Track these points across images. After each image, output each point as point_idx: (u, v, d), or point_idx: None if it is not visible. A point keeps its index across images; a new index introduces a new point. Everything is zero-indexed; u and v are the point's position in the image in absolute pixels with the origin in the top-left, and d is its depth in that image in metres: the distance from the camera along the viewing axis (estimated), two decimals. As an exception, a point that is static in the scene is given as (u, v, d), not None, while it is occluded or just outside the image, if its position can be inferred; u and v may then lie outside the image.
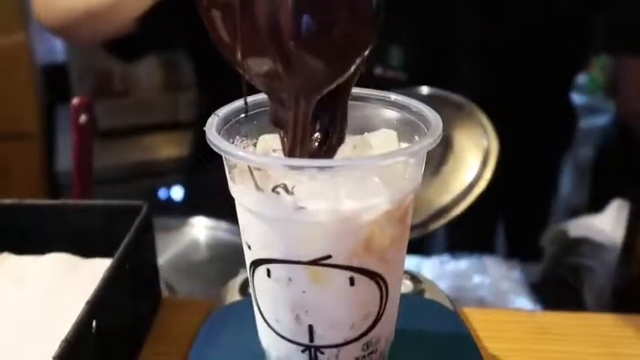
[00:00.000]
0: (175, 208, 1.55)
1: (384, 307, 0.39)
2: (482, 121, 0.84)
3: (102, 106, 1.66)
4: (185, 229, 0.82)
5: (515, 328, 0.55)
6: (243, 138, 0.41)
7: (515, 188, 1.20)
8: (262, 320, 0.41)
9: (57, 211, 0.56)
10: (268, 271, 0.38)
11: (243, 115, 0.41)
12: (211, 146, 0.36)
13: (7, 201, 0.57)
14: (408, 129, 0.40)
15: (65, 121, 1.65)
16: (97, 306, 0.43)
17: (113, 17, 0.79)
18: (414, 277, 0.57)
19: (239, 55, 0.33)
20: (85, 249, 0.56)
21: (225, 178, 0.38)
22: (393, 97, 0.42)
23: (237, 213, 0.38)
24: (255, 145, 0.41)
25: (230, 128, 0.40)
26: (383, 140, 0.40)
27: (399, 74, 0.97)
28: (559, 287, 1.06)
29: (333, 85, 0.35)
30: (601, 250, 1.06)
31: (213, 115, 0.39)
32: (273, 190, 0.35)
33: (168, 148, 1.66)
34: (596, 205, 1.27)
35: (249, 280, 0.40)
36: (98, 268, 0.53)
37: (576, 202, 1.78)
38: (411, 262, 1.11)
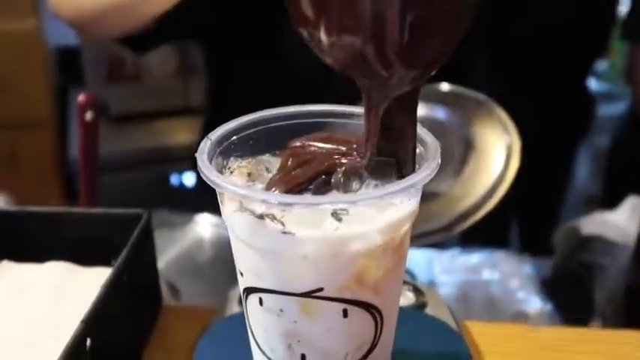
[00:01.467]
0: (187, 194, 1.55)
1: (379, 337, 0.38)
2: (502, 117, 0.81)
3: (114, 92, 1.66)
4: (190, 227, 0.81)
5: (519, 344, 0.54)
6: (239, 158, 0.41)
7: (530, 181, 1.18)
8: (256, 347, 0.40)
9: (57, 218, 0.56)
10: (260, 299, 0.37)
11: (234, 138, 0.40)
12: (201, 175, 0.35)
13: (7, 208, 0.57)
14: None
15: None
16: (92, 324, 0.43)
17: (138, 13, 0.77)
18: (417, 289, 0.56)
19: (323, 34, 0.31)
20: (85, 257, 0.55)
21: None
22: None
23: (230, 240, 0.38)
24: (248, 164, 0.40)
25: (225, 150, 0.40)
26: None
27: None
28: (570, 285, 1.04)
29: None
30: (614, 248, 1.04)
31: (205, 139, 0.38)
32: (261, 217, 0.34)
33: (181, 133, 1.66)
34: (610, 196, 1.25)
35: (243, 305, 0.40)
36: (97, 277, 0.53)
37: (591, 192, 1.75)
38: (424, 256, 1.11)
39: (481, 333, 0.55)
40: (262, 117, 0.41)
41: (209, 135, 0.39)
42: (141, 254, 0.53)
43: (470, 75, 1.17)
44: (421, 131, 0.39)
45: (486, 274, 1.07)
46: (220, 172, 0.38)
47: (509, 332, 0.56)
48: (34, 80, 1.52)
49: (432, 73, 0.33)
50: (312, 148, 0.38)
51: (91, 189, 0.86)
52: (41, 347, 0.46)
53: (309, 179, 0.35)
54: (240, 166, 0.41)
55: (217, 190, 0.36)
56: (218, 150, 0.39)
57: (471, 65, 1.21)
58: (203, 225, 0.83)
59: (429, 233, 0.75)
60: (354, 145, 0.38)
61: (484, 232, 1.15)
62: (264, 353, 0.39)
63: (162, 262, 0.75)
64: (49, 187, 1.58)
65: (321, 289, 0.35)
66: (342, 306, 0.36)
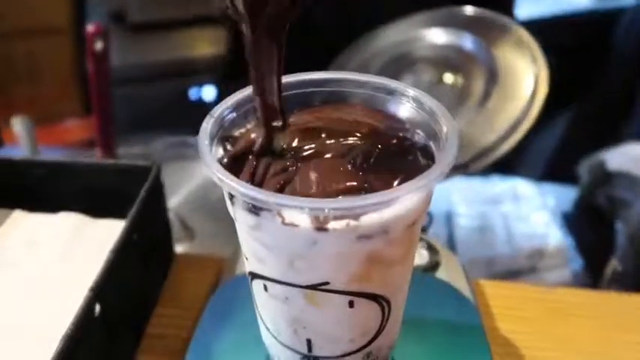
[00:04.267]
0: (207, 109, 1.53)
1: (386, 323, 0.37)
2: (531, 45, 0.77)
3: (132, -1, 1.60)
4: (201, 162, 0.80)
5: (532, 306, 0.53)
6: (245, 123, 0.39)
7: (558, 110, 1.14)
8: (263, 325, 0.40)
9: (68, 168, 0.55)
10: (265, 286, 0.36)
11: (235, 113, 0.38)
12: (205, 168, 0.33)
13: (19, 157, 0.56)
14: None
15: (95, 10, 1.60)
16: (101, 291, 0.43)
17: None
18: (431, 247, 0.55)
19: None
20: (97, 208, 0.55)
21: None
22: (412, 92, 0.38)
23: (236, 225, 0.36)
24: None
25: (230, 123, 0.38)
26: None
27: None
28: (592, 220, 1.02)
29: None
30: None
31: (208, 117, 0.36)
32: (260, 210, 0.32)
33: (202, 44, 1.61)
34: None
35: (249, 284, 0.39)
36: (110, 230, 0.53)
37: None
38: (442, 185, 1.09)
39: (495, 295, 0.54)
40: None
41: (211, 112, 0.37)
42: (150, 209, 0.52)
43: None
44: (438, 110, 0.36)
45: (507, 206, 1.05)
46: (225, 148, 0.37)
47: (523, 293, 0.55)
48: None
49: None
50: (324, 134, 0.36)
51: (104, 121, 0.85)
52: (52, 309, 0.47)
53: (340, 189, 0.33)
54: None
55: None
56: (224, 124, 0.37)
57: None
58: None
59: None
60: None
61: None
62: (269, 331, 0.39)
63: (176, 200, 0.75)
64: (68, 98, 1.57)
65: (326, 283, 0.34)
66: (349, 298, 0.35)
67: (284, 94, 0.39)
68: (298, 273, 0.34)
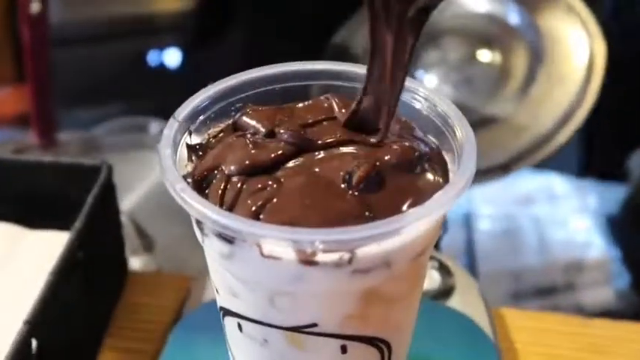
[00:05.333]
0: (168, 77, 1.53)
1: (386, 369, 0.39)
2: (583, 15, 0.76)
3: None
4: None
5: (563, 342, 0.54)
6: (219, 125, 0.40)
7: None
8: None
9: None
10: (239, 325, 0.37)
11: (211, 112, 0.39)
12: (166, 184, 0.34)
13: None
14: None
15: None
16: (39, 323, 0.44)
17: None
18: (444, 267, 0.57)
19: None
20: (32, 216, 0.56)
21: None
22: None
23: (205, 251, 0.37)
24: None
25: (200, 126, 0.39)
26: None
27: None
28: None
29: None
30: None
31: (171, 120, 0.37)
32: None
33: (164, -2, 1.60)
34: None
35: (221, 319, 0.40)
36: (48, 244, 0.54)
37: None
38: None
39: (519, 327, 0.55)
40: (247, 79, 0.40)
41: (175, 114, 0.37)
42: (99, 220, 0.53)
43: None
44: (451, 111, 0.37)
45: (540, 207, 1.07)
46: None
47: (552, 325, 0.56)
48: None
49: None
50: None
51: (41, 95, 0.86)
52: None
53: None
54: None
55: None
56: (191, 129, 0.38)
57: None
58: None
59: (481, 172, 0.72)
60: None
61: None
62: (245, 378, 0.40)
63: (130, 200, 0.76)
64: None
65: (314, 325, 0.35)
66: (341, 342, 0.36)
67: (266, 88, 0.40)
68: (280, 312, 0.35)
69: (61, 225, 0.54)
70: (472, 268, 0.94)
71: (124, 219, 0.60)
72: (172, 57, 1.57)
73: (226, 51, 1.39)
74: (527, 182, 1.11)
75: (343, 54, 0.79)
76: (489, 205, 1.07)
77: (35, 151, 0.83)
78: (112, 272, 0.57)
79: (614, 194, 1.10)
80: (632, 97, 1.27)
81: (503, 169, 0.71)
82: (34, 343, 0.44)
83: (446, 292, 0.55)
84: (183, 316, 0.53)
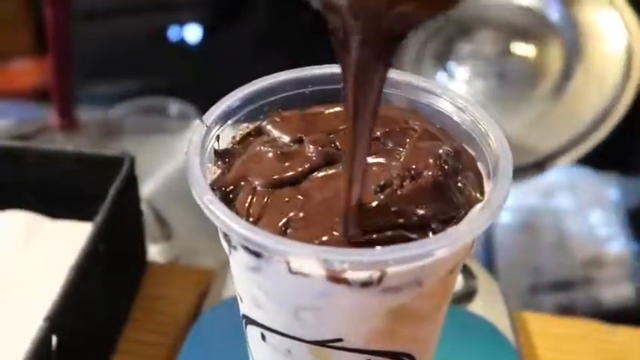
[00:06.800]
0: (189, 54, 1.52)
1: (410, 383, 0.38)
2: (623, 11, 0.74)
3: None
4: (184, 136, 0.80)
5: (585, 350, 0.54)
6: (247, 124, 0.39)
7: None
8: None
9: (20, 156, 0.55)
10: (263, 335, 0.37)
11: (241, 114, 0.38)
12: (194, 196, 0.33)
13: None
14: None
15: None
16: (59, 319, 0.44)
17: None
18: (467, 270, 0.56)
19: None
20: (53, 205, 0.55)
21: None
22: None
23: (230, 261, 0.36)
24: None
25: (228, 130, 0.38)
26: None
27: None
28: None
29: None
30: None
31: (198, 124, 0.36)
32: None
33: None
34: None
35: (242, 328, 0.39)
36: (69, 234, 0.54)
37: None
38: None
39: (542, 332, 0.55)
40: (276, 82, 0.39)
41: (203, 117, 0.36)
42: (121, 213, 0.52)
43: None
44: (483, 118, 0.36)
45: (560, 200, 1.05)
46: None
47: (576, 331, 0.55)
48: None
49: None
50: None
51: (62, 71, 0.85)
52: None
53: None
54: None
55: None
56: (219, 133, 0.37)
57: None
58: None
59: (515, 170, 0.70)
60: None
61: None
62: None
63: (149, 186, 0.75)
64: (19, 33, 1.55)
65: (339, 340, 0.34)
66: (366, 357, 0.35)
67: (294, 92, 0.39)
68: (305, 326, 0.34)
69: (82, 215, 0.54)
70: (491, 261, 0.93)
71: (142, 206, 0.60)
72: (192, 33, 1.56)
73: (246, 29, 1.38)
74: (547, 174, 1.09)
75: None
76: (510, 197, 1.05)
77: (55, 133, 0.83)
78: (132, 264, 0.57)
79: (636, 187, 1.08)
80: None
81: (539, 167, 0.70)
82: (54, 339, 0.43)
83: (468, 295, 0.54)
84: (202, 311, 0.52)
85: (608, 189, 1.07)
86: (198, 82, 1.24)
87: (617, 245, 0.97)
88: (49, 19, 0.84)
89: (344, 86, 0.30)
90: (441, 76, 0.76)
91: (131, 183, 0.54)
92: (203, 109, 0.37)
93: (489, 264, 0.90)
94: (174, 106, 0.90)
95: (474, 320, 0.52)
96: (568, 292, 0.94)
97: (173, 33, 1.57)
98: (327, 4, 0.27)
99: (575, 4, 0.75)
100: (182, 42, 1.56)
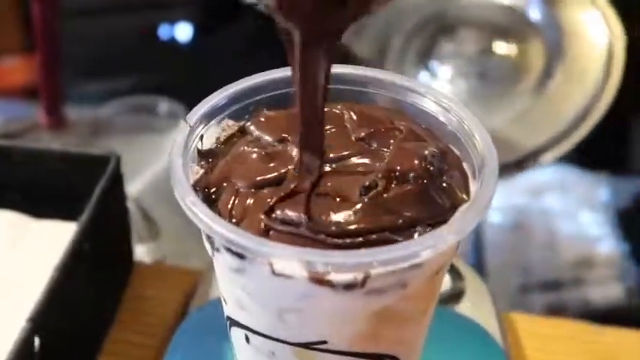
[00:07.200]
0: (180, 51, 1.52)
1: (395, 385, 0.38)
2: (604, 10, 0.74)
3: None
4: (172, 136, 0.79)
5: (574, 350, 0.54)
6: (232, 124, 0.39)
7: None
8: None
9: (5, 155, 0.55)
10: (247, 337, 0.36)
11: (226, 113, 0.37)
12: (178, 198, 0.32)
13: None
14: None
15: None
16: (42, 320, 0.43)
17: None
18: (455, 270, 0.55)
19: None
20: (38, 204, 0.55)
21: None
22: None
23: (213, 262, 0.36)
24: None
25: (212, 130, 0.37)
26: None
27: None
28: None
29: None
30: None
31: (182, 124, 0.36)
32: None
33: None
34: None
35: (227, 329, 0.39)
36: (53, 234, 0.53)
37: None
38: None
39: (530, 333, 0.55)
40: (261, 82, 0.39)
41: (187, 116, 0.36)
42: (107, 212, 0.52)
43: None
44: (468, 119, 0.36)
45: (550, 200, 1.05)
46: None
47: (565, 332, 0.55)
48: None
49: None
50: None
51: (49, 69, 0.85)
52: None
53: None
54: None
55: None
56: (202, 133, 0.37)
57: None
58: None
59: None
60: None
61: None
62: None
63: (136, 185, 0.74)
64: (7, 31, 1.54)
65: (323, 342, 0.34)
66: (350, 359, 0.35)
67: (279, 92, 0.39)
68: (288, 328, 0.34)
69: (68, 215, 0.54)
70: (480, 261, 0.93)
71: (130, 205, 0.59)
72: (183, 32, 1.56)
73: (237, 28, 1.37)
74: (537, 174, 1.09)
75: (345, 57, 0.78)
76: (501, 196, 1.05)
77: (43, 132, 0.82)
78: (118, 264, 0.57)
79: (626, 187, 1.08)
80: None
81: (518, 166, 0.70)
82: (36, 341, 0.43)
83: (456, 296, 0.54)
84: (189, 312, 0.52)
85: (598, 189, 1.07)
86: (189, 81, 1.24)
87: (606, 245, 0.97)
88: (37, 15, 0.84)
89: (292, 76, 0.32)
90: (423, 75, 0.76)
91: (117, 182, 0.54)
92: (193, 108, 0.37)
93: (479, 264, 0.90)
94: (164, 105, 0.90)
95: (462, 321, 0.51)
96: (558, 292, 0.94)
97: (164, 31, 1.56)
98: (267, 7, 0.29)
99: (556, 3, 0.76)
100: (173, 40, 1.56)
